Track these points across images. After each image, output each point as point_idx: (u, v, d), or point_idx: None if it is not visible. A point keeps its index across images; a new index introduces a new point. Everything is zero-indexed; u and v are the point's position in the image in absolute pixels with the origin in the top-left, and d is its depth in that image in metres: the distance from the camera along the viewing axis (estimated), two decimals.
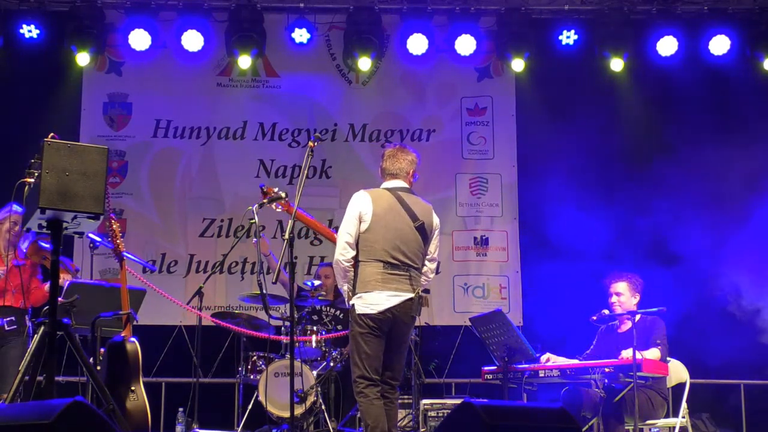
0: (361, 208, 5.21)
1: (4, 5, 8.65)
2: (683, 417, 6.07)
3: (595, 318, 6.30)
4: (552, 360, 6.16)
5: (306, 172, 5.31)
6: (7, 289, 5.92)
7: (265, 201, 5.88)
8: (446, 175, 9.04)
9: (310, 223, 6.26)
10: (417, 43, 8.80)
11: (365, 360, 5.14)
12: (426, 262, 5.40)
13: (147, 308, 6.41)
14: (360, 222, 5.20)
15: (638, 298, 6.34)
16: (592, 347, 6.44)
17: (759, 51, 8.76)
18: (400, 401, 7.41)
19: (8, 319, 5.99)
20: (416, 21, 8.87)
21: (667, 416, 6.12)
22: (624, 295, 6.28)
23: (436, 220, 5.45)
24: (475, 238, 8.93)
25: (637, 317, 6.05)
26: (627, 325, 6.29)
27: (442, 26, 8.96)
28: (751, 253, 8.02)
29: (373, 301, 5.14)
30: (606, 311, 6.30)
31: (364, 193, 5.29)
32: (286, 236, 5.21)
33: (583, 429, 6.02)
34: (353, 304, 5.19)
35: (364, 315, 5.14)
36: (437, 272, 8.81)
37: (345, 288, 5.30)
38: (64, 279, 5.79)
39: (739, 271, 7.77)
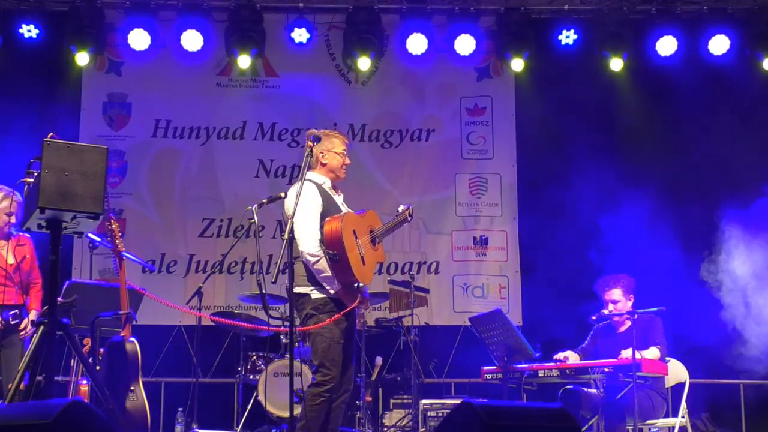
0: None
1: (3, 5, 8.64)
2: (683, 417, 6.08)
3: (594, 318, 6.30)
4: (571, 359, 6.14)
5: (305, 171, 5.30)
6: (7, 285, 5.88)
7: (264, 201, 5.87)
8: (446, 175, 9.04)
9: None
10: (416, 43, 8.80)
11: None
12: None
13: (147, 308, 6.41)
14: None
15: (633, 299, 6.33)
16: (586, 342, 6.45)
17: (759, 51, 8.75)
18: (399, 400, 7.42)
19: (12, 312, 5.93)
20: (416, 21, 8.87)
21: (666, 416, 6.13)
22: (620, 302, 6.28)
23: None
24: (475, 238, 8.92)
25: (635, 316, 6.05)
26: (626, 325, 6.30)
27: (442, 26, 8.96)
28: (752, 252, 8.01)
29: None
30: (606, 311, 6.30)
31: None
32: (286, 236, 5.20)
33: (583, 429, 6.02)
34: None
35: None
36: (437, 272, 8.87)
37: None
38: None
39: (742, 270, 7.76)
